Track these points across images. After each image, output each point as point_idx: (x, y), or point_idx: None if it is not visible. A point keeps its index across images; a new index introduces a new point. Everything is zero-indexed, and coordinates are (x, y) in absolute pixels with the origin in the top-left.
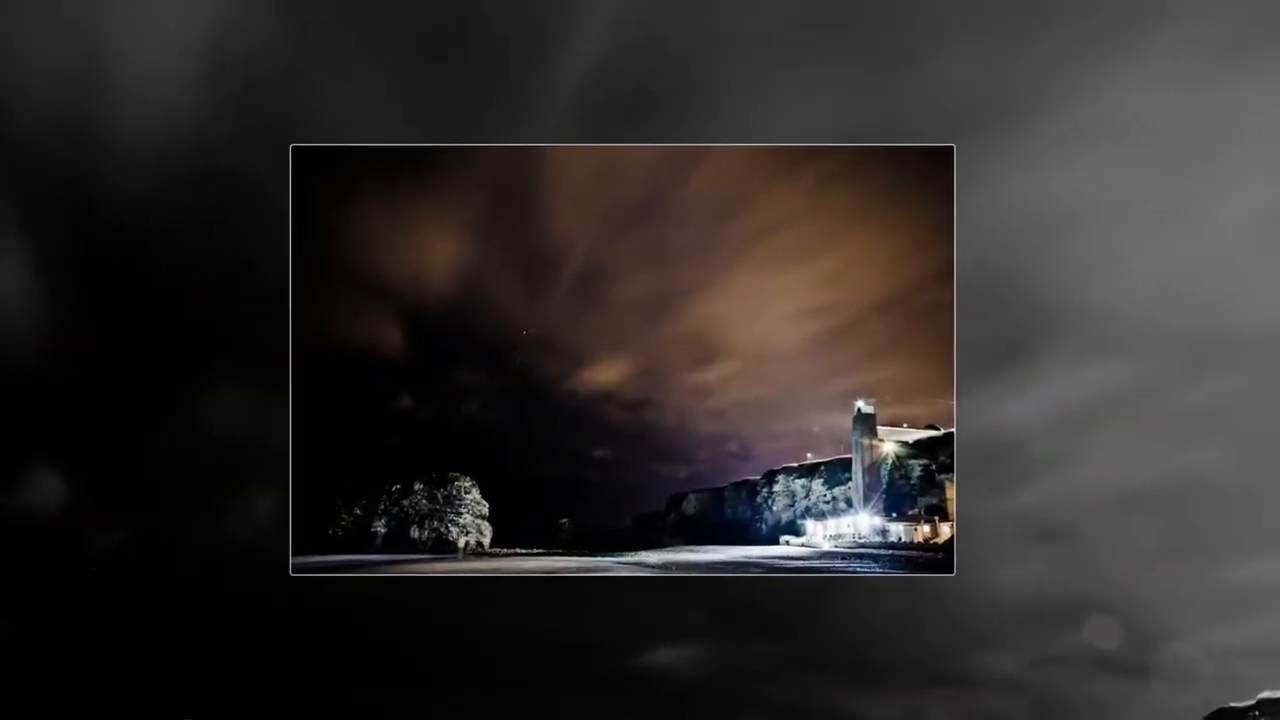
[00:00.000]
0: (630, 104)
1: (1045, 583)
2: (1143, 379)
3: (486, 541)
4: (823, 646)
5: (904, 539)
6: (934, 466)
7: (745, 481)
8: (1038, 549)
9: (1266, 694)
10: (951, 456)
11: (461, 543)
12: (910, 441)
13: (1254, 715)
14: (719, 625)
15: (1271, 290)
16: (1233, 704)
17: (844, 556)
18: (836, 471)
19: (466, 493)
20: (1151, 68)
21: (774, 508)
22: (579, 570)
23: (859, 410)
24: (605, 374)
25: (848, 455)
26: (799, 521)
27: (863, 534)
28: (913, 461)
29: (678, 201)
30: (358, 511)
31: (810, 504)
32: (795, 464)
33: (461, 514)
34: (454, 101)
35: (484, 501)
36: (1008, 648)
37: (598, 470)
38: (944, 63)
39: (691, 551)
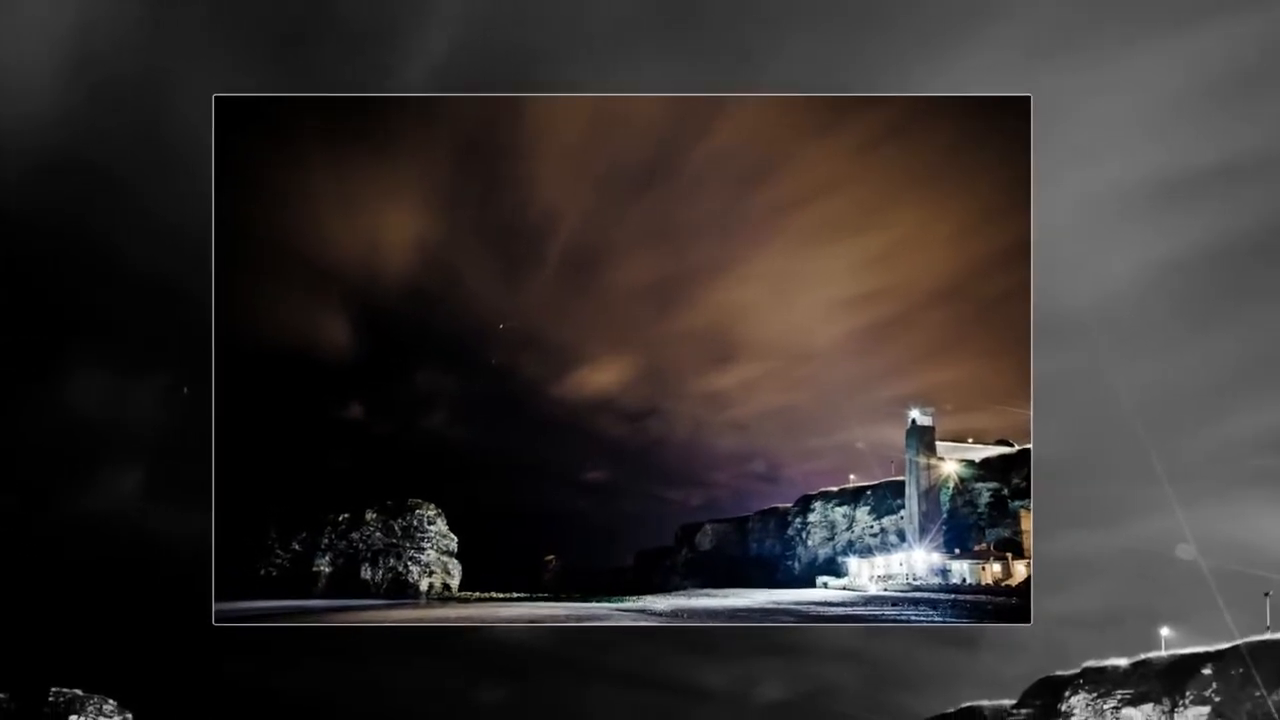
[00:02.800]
0: (632, 40)
1: None
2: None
3: (455, 584)
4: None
5: (969, 580)
6: (1006, 491)
7: (774, 510)
8: None
9: (1091, 663)
10: (1028, 479)
11: (424, 585)
12: (977, 461)
13: (1078, 684)
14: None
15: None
16: (1058, 672)
17: (895, 602)
18: (886, 497)
19: (430, 524)
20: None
21: (809, 542)
22: (569, 619)
23: (914, 422)
24: (601, 377)
25: (900, 478)
26: (840, 559)
27: (918, 574)
28: (980, 485)
29: (690, 164)
30: (296, 546)
31: (854, 537)
32: (835, 488)
33: (424, 550)
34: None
35: (452, 535)
36: None
37: (592, 496)
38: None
39: (708, 596)
